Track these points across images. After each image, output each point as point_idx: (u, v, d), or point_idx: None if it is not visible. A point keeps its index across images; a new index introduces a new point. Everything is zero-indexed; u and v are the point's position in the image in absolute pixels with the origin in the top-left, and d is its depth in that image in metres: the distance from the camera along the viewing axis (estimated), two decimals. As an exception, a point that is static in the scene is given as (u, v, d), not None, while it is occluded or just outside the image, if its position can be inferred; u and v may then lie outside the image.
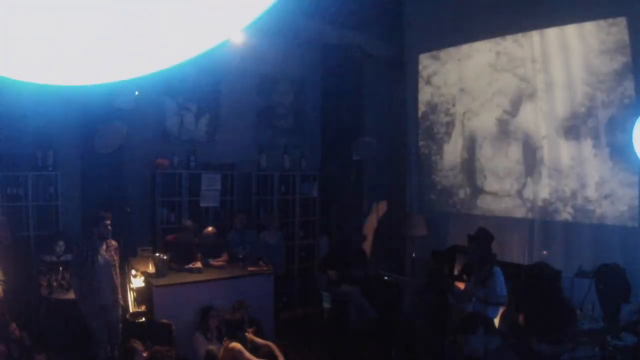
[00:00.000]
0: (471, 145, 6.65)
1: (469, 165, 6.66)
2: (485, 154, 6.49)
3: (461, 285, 4.83)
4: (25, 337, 4.30)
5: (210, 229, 5.90)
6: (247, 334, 4.37)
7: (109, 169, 5.64)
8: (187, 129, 6.61)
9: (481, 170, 6.53)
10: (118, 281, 4.76)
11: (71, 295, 4.60)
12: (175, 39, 0.79)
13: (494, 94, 6.36)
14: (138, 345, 3.47)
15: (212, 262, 5.70)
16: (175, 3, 0.71)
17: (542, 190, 5.85)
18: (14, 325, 4.20)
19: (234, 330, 4.19)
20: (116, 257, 4.61)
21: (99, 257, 4.35)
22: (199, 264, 5.50)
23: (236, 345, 4.04)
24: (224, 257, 5.85)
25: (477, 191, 6.57)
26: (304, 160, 7.32)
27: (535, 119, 5.91)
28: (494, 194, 6.38)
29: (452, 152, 6.87)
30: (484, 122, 6.49)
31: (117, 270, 4.71)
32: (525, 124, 6.03)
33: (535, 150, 5.92)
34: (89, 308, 4.32)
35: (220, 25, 0.79)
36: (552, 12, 5.64)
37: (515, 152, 6.15)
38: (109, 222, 4.40)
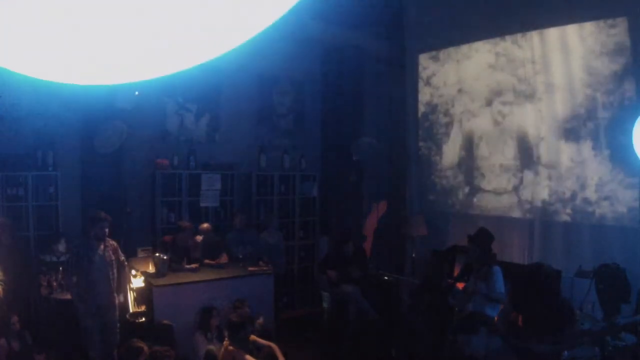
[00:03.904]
0: (470, 145, 6.65)
1: (469, 166, 6.67)
2: (484, 154, 6.49)
3: (460, 286, 4.83)
4: (26, 334, 4.30)
5: (205, 225, 5.89)
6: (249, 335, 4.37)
7: (109, 169, 5.64)
8: (187, 129, 6.61)
9: (481, 171, 6.53)
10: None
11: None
12: (184, 44, 0.79)
13: (493, 95, 6.37)
14: (144, 345, 3.46)
15: (207, 261, 5.69)
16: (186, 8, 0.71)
17: (542, 191, 5.85)
18: (15, 317, 4.19)
19: (237, 332, 4.18)
20: (121, 257, 4.60)
21: (96, 257, 4.33)
22: (194, 264, 5.51)
23: (235, 348, 4.04)
24: (224, 257, 5.84)
25: (477, 191, 6.57)
26: (304, 160, 7.32)
27: (535, 120, 5.91)
28: (494, 194, 6.38)
29: (452, 152, 6.88)
30: (483, 122, 6.49)
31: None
32: (524, 125, 6.03)
33: (534, 151, 5.93)
34: (86, 308, 4.30)
35: (226, 33, 0.79)
36: (552, 13, 5.64)
37: (514, 152, 6.15)
38: (106, 225, 4.37)
